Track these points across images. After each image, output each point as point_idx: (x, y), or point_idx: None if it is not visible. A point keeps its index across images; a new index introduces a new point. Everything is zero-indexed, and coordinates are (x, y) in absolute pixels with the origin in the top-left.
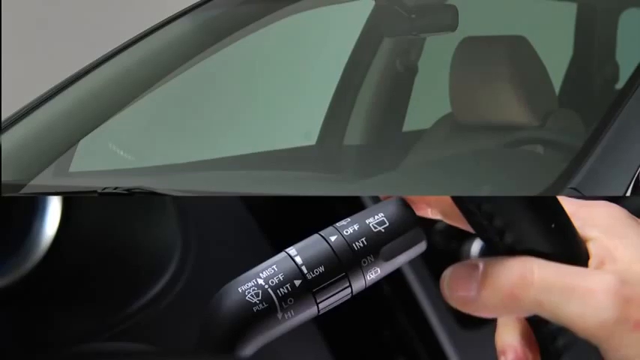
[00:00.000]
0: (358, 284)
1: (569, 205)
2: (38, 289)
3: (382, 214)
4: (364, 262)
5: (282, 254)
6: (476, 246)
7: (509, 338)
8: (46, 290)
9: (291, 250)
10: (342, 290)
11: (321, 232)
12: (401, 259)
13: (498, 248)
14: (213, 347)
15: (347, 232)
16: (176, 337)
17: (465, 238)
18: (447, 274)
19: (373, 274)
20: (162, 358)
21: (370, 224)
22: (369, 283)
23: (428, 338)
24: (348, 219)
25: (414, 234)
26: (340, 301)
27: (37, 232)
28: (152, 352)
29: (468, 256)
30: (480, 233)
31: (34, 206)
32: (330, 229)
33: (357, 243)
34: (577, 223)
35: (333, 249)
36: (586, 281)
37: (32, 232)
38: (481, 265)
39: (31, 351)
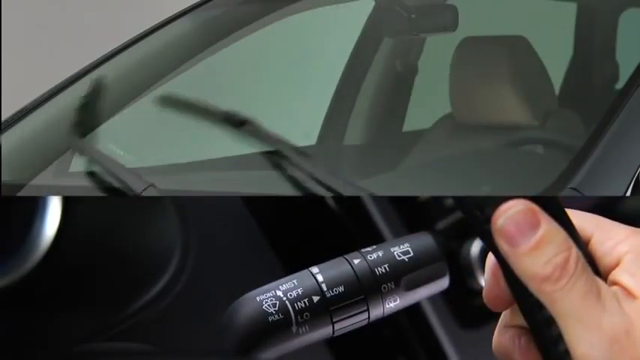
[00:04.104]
0: (376, 310)
1: (624, 230)
2: (38, 289)
3: (408, 245)
4: (384, 288)
5: (305, 271)
6: (476, 246)
7: (507, 343)
8: (46, 290)
9: (314, 269)
10: (360, 313)
11: (345, 256)
12: (422, 293)
13: (499, 252)
14: (226, 352)
15: (371, 257)
16: (176, 337)
17: (465, 238)
18: (518, 208)
19: (392, 303)
20: (163, 358)
21: (395, 252)
22: (387, 312)
23: (428, 338)
24: (374, 246)
25: (437, 267)
26: (356, 326)
27: (37, 232)
28: (152, 352)
29: (467, 256)
30: (481, 236)
31: (34, 206)
32: (354, 253)
33: (379, 268)
34: (625, 247)
35: (354, 271)
36: (602, 314)
37: (32, 232)
38: (543, 227)
39: (32, 351)
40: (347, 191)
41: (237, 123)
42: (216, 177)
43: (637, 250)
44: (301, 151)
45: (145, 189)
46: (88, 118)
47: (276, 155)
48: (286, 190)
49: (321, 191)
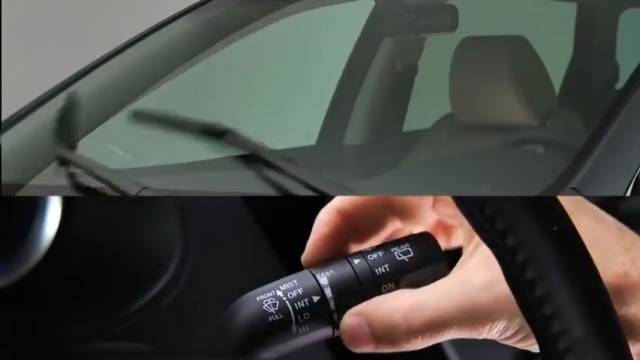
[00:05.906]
0: None
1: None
2: (38, 289)
3: (408, 245)
4: (384, 288)
5: (305, 271)
6: None
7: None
8: (46, 290)
9: (314, 269)
10: None
11: (345, 255)
12: None
13: (500, 250)
14: (226, 352)
15: (371, 257)
16: (176, 337)
17: None
18: (343, 328)
19: None
20: (164, 358)
21: (395, 253)
22: None
23: None
24: (374, 246)
25: (437, 267)
26: None
27: (37, 233)
28: (152, 352)
29: None
30: (481, 235)
31: (34, 206)
32: (355, 253)
33: (379, 268)
34: None
35: (355, 271)
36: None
37: (32, 232)
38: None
39: (31, 351)
40: (336, 192)
41: (217, 134)
42: (216, 177)
43: None
44: (284, 156)
45: (139, 191)
46: (68, 128)
47: (257, 160)
48: (286, 190)
49: (309, 194)
